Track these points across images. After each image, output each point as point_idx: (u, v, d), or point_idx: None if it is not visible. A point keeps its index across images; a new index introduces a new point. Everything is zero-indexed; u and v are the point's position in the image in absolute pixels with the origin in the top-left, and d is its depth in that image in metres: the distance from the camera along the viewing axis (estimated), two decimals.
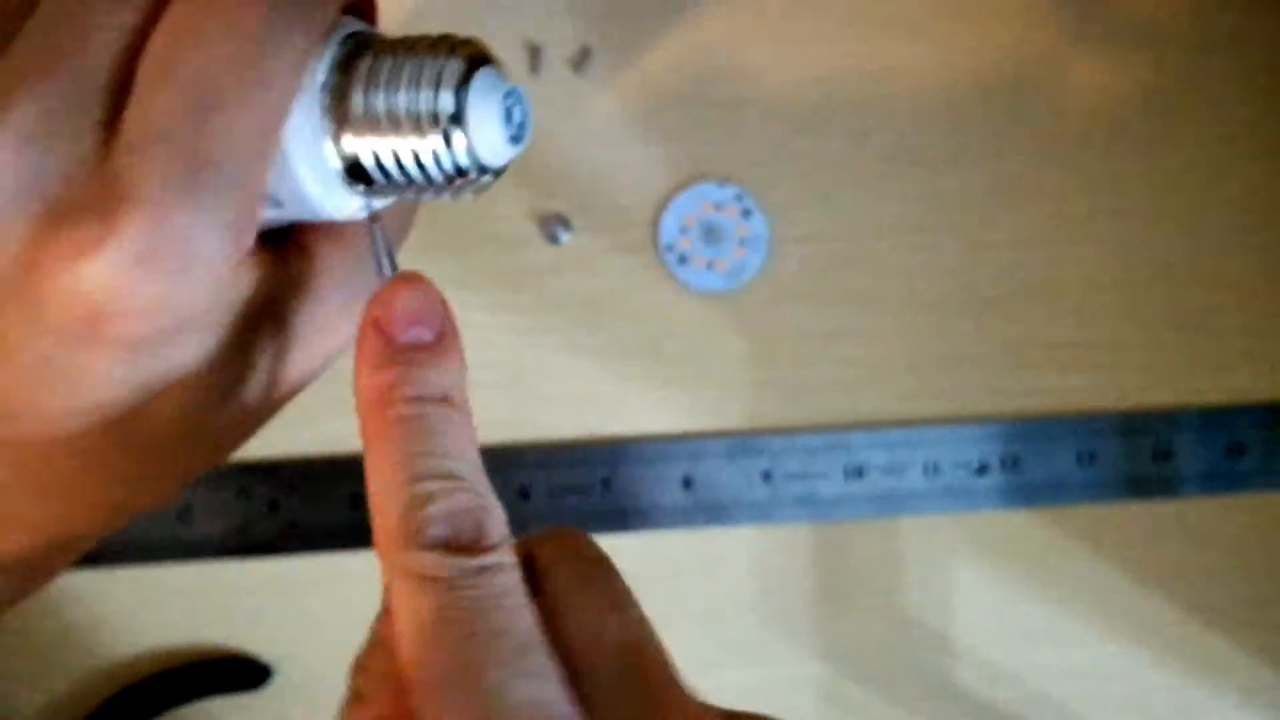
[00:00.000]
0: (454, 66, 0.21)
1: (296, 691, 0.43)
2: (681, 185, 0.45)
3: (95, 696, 0.42)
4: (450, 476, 0.20)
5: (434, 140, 0.21)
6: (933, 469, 0.45)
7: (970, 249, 0.46)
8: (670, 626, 0.46)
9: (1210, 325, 0.47)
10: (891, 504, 0.45)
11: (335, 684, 0.47)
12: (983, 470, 0.45)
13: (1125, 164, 0.46)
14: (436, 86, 0.21)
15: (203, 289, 0.20)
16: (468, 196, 0.22)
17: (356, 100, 0.21)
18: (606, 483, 0.44)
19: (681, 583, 0.45)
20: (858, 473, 0.45)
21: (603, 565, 0.23)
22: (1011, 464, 0.46)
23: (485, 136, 0.21)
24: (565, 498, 0.44)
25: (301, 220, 0.22)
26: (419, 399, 0.21)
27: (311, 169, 0.21)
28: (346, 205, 0.22)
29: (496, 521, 0.21)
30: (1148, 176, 0.46)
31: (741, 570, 0.45)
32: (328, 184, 0.21)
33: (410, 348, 0.21)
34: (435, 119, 0.20)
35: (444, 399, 0.21)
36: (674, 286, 0.45)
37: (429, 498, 0.20)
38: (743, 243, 0.45)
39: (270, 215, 0.22)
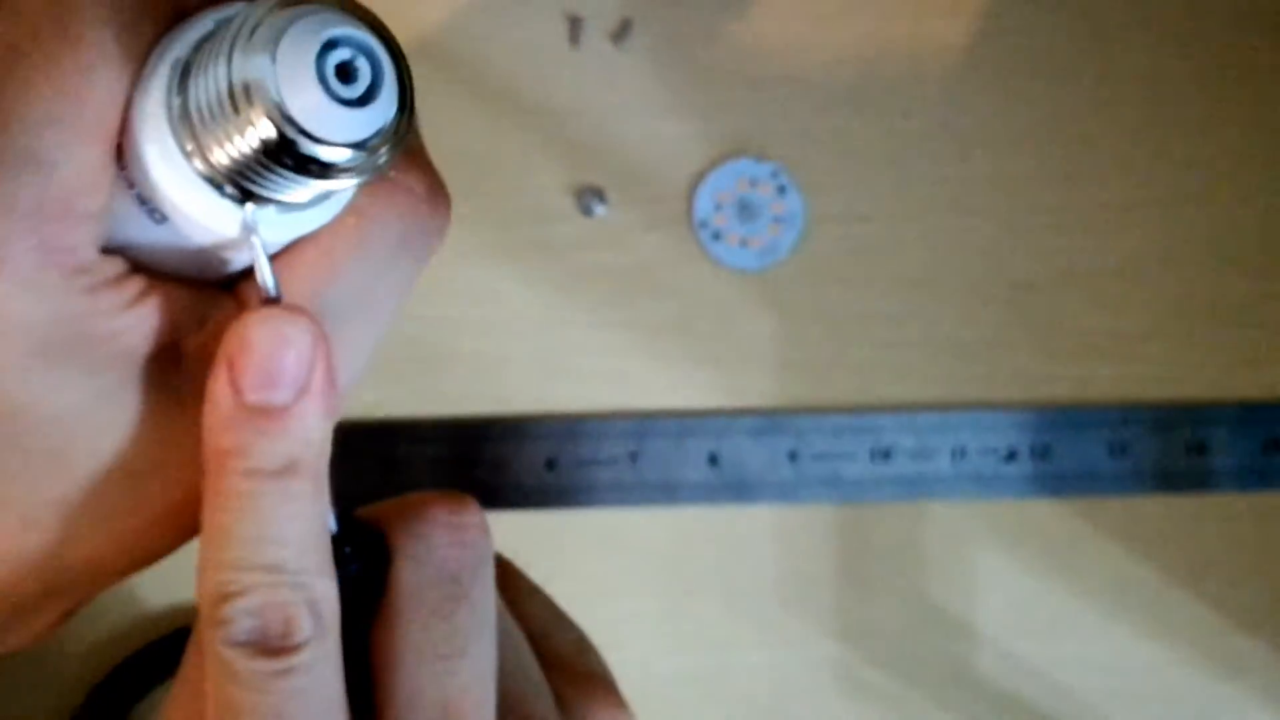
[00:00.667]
0: (252, 21, 0.17)
1: None
2: (718, 161, 0.45)
3: (120, 651, 0.43)
4: (269, 569, 0.19)
5: (245, 120, 0.17)
6: (960, 454, 0.45)
7: (1007, 233, 0.45)
8: (690, 603, 0.47)
9: (1250, 318, 0.46)
10: (918, 488, 0.45)
11: None
12: (1011, 457, 0.45)
13: (1170, 150, 0.46)
14: (230, 51, 0.17)
15: (13, 302, 0.17)
16: (361, 179, 0.18)
17: (191, 87, 0.17)
18: (633, 456, 0.44)
19: (703, 560, 0.45)
20: (884, 455, 0.45)
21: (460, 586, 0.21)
22: (1041, 452, 0.45)
23: (304, 102, 0.17)
24: (591, 470, 0.44)
25: (216, 249, 0.19)
26: (255, 472, 0.18)
27: (168, 169, 0.18)
28: (232, 219, 0.18)
29: (315, 614, 0.19)
30: (1191, 164, 0.46)
31: (764, 549, 0.45)
32: (190, 189, 0.18)
33: (257, 412, 0.18)
34: (233, 93, 0.17)
35: (286, 469, 0.19)
36: (706, 263, 0.45)
37: (239, 592, 0.19)
38: (777, 220, 0.45)
39: (160, 234, 0.19)
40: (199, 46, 0.18)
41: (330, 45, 0.17)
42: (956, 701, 0.46)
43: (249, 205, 0.18)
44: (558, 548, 0.45)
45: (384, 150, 0.17)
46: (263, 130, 0.17)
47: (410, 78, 0.18)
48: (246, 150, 0.17)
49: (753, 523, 0.45)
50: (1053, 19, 0.45)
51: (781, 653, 0.45)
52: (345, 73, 0.17)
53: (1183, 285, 0.46)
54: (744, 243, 0.45)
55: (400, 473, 0.44)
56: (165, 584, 0.44)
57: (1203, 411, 0.46)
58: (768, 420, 0.45)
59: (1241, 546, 0.46)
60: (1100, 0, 0.45)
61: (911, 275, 0.45)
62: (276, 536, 0.19)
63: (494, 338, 0.44)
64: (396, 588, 0.21)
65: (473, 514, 0.22)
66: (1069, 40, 0.45)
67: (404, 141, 0.18)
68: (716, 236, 0.45)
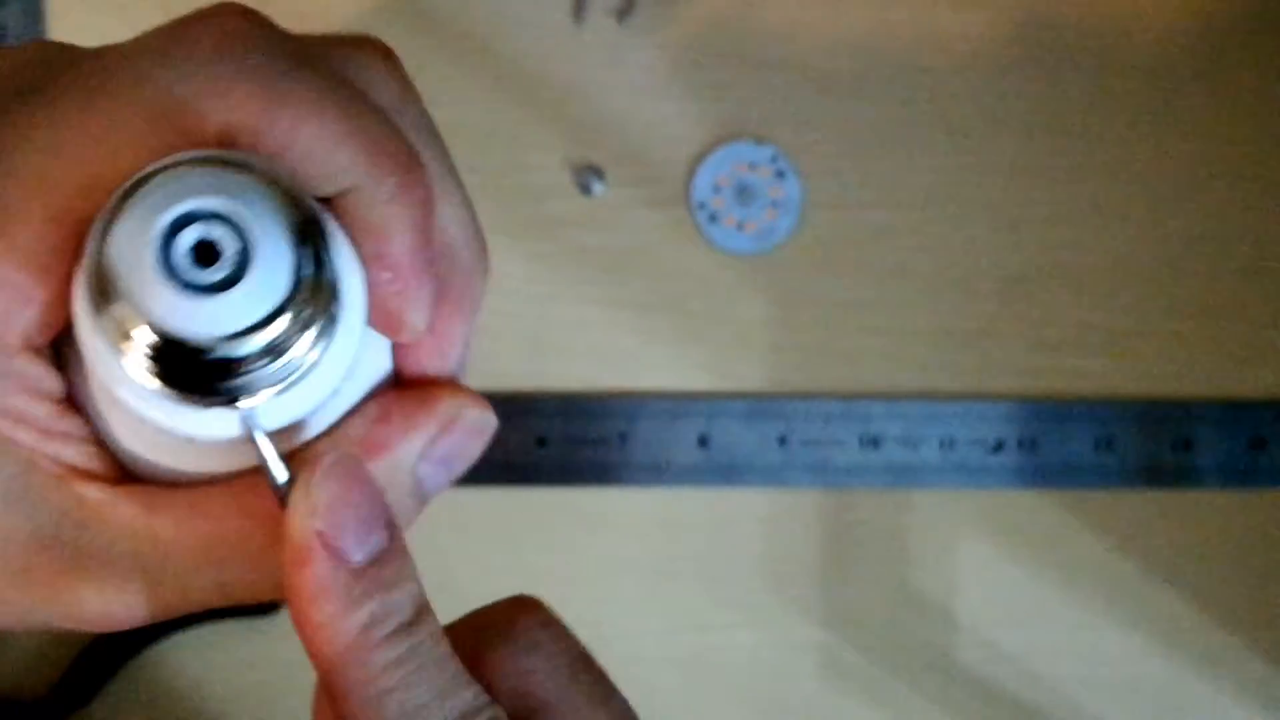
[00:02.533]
0: (107, 208, 0.15)
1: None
2: (717, 143, 0.45)
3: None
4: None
5: (112, 317, 0.15)
6: (949, 444, 0.45)
7: (1002, 226, 0.45)
8: (676, 584, 0.47)
9: (1239, 316, 0.46)
10: (905, 476, 0.45)
11: None
12: (999, 448, 0.45)
13: (1166, 147, 0.46)
14: (95, 245, 0.15)
15: None
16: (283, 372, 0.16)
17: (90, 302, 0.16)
18: (624, 436, 0.44)
19: (690, 541, 0.45)
20: (873, 443, 0.45)
21: (585, 656, 0.22)
22: (1028, 444, 0.45)
23: (147, 293, 0.14)
24: (582, 449, 0.44)
25: (202, 465, 0.18)
26: (406, 631, 0.18)
27: (114, 382, 0.16)
28: (194, 419, 0.17)
29: None
30: (1184, 162, 0.46)
31: (751, 532, 0.45)
32: (165, 410, 0.16)
33: (375, 564, 0.18)
34: (91, 291, 0.15)
35: (420, 610, 0.18)
36: (703, 245, 0.45)
37: None
38: (774, 205, 0.45)
39: (179, 449, 0.18)
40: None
41: (179, 224, 0.15)
42: (937, 687, 0.46)
43: (237, 408, 0.16)
44: (547, 525, 0.45)
45: (287, 333, 0.15)
46: (135, 340, 0.15)
47: (315, 231, 0.15)
48: (149, 365, 0.15)
49: (741, 506, 0.45)
50: (1052, 13, 0.45)
51: (766, 636, 0.46)
52: (204, 253, 0.15)
53: (1173, 282, 0.46)
54: (741, 226, 0.45)
55: None
56: None
57: (1189, 408, 0.46)
58: (758, 404, 0.45)
59: (1223, 543, 0.47)
60: None
61: (906, 264, 0.45)
62: (453, 681, 0.18)
63: (488, 314, 0.44)
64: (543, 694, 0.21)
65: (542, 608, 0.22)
66: (1068, 34, 0.45)
67: (323, 314, 0.16)
68: (714, 219, 0.45)
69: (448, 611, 0.47)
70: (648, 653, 0.45)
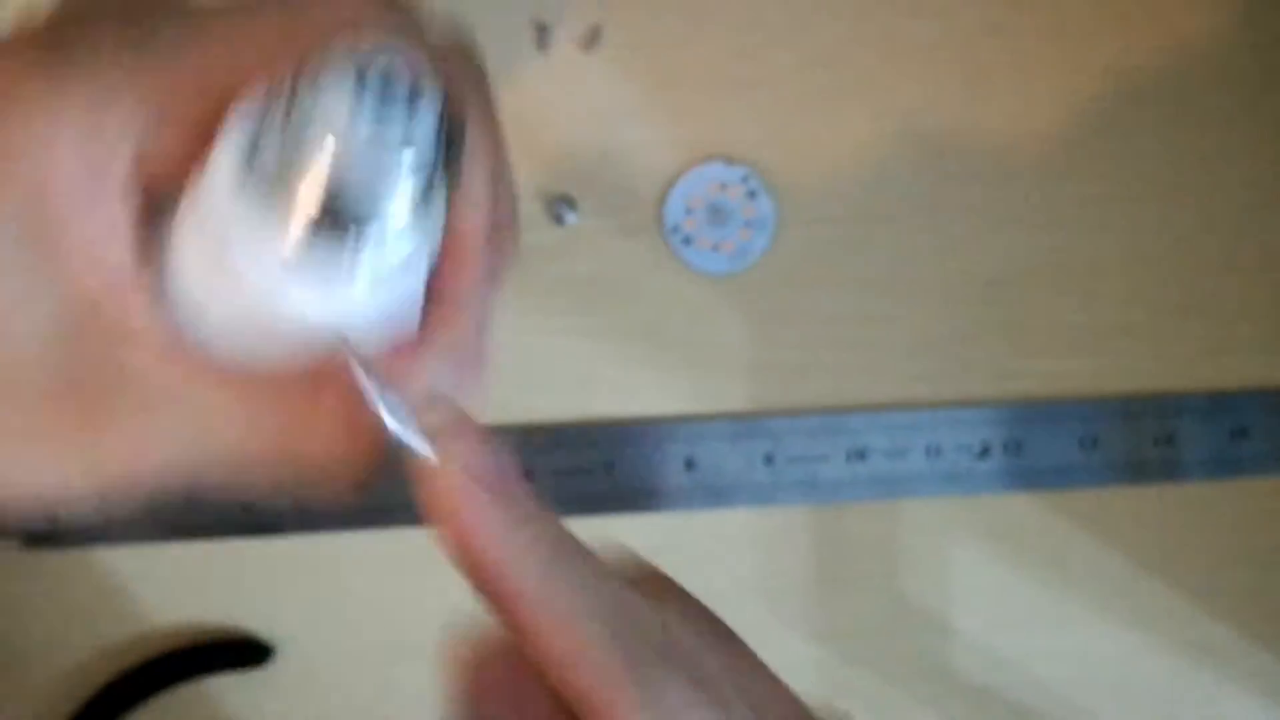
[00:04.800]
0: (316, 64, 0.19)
1: (299, 670, 0.43)
2: (688, 166, 0.44)
3: (98, 678, 0.43)
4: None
5: (307, 135, 0.19)
6: (935, 452, 0.45)
7: (976, 232, 0.45)
8: None
9: (1215, 310, 0.47)
10: (893, 487, 0.45)
11: (336, 663, 0.47)
12: (984, 453, 0.45)
13: (1135, 147, 0.46)
14: (287, 110, 0.19)
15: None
16: (401, 180, 0.19)
17: (257, 159, 0.19)
18: (609, 465, 0.44)
19: (681, 564, 0.45)
20: (860, 455, 0.45)
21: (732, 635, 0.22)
22: (1014, 448, 0.46)
23: (342, 106, 0.19)
24: (568, 480, 0.44)
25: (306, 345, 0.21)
26: (560, 542, 0.20)
27: (242, 235, 0.19)
28: (306, 296, 0.20)
29: None
30: (1158, 160, 0.46)
31: (742, 552, 0.45)
32: (257, 249, 0.19)
33: (517, 483, 0.20)
34: (301, 106, 0.19)
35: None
36: (678, 268, 0.45)
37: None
38: (748, 224, 0.44)
39: (260, 316, 0.20)
40: (256, 132, 0.19)
41: (368, 67, 0.19)
42: (935, 697, 0.46)
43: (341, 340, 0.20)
44: None
45: (425, 167, 0.19)
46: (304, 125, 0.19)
47: (449, 110, 0.20)
48: (316, 175, 0.19)
49: (730, 527, 0.45)
50: (1022, 18, 0.45)
51: (763, 655, 0.45)
52: (384, 86, 0.19)
53: (1150, 279, 0.46)
54: (715, 247, 0.44)
55: (374, 489, 0.43)
56: (136, 613, 0.43)
57: (1171, 402, 0.46)
58: (743, 424, 0.45)
59: (1211, 535, 0.47)
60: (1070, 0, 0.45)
61: (882, 276, 0.45)
62: (602, 567, 0.20)
63: None
64: None
65: None
66: (1039, 38, 0.45)
67: (460, 143, 0.20)
68: (688, 241, 0.44)
69: (433, 646, 0.47)
70: None
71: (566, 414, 0.44)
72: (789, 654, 0.45)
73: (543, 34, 0.44)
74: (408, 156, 0.19)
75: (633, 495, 0.44)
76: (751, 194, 0.44)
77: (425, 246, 0.21)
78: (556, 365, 0.44)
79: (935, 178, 0.45)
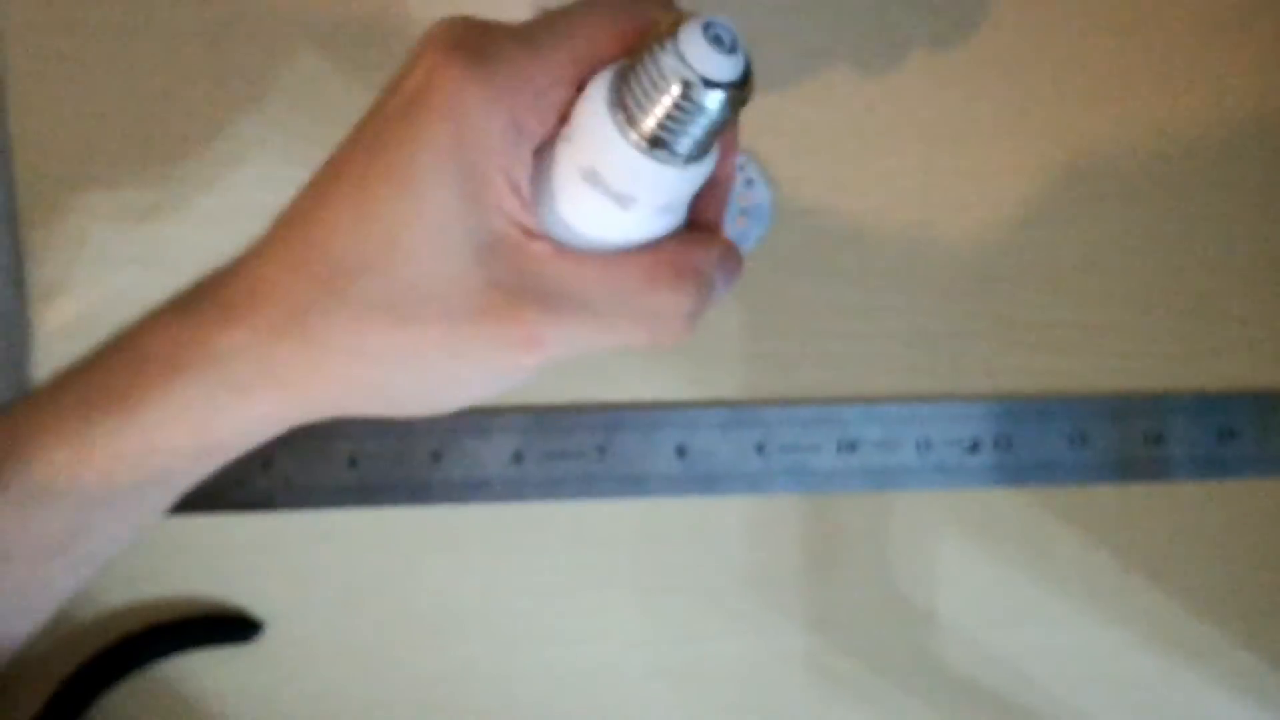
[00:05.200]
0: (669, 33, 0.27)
1: (287, 646, 0.43)
2: None
3: (85, 648, 0.42)
4: None
5: (668, 79, 0.27)
6: (925, 445, 0.45)
7: (972, 227, 0.46)
8: (659, 595, 0.47)
9: (1208, 310, 0.47)
10: (883, 479, 0.45)
11: (326, 639, 0.47)
12: (975, 448, 0.46)
13: (1132, 145, 0.46)
14: (655, 52, 0.27)
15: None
16: (722, 107, 0.27)
17: (624, 91, 0.28)
18: (601, 449, 0.44)
19: (672, 552, 0.45)
20: (851, 447, 0.45)
21: None
22: (1004, 443, 0.46)
23: (697, 52, 0.26)
24: (559, 463, 0.44)
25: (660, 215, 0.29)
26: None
27: (617, 149, 0.28)
28: (665, 174, 0.28)
29: None
30: (1151, 159, 0.46)
31: (732, 540, 0.45)
32: (629, 155, 0.27)
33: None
34: (660, 70, 0.27)
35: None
36: None
37: None
38: (745, 212, 0.45)
39: (628, 219, 0.28)
40: (617, 79, 0.28)
41: (709, 26, 0.27)
42: (922, 689, 0.46)
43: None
44: (526, 542, 0.44)
45: (743, 90, 0.27)
46: (679, 82, 0.27)
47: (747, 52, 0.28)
48: (668, 102, 0.27)
49: (721, 515, 0.45)
50: (1018, 13, 0.46)
51: (751, 643, 0.45)
52: (719, 39, 0.27)
53: (1142, 278, 0.46)
54: None
55: (365, 467, 0.43)
56: (123, 586, 0.43)
57: (1160, 401, 0.46)
58: (735, 412, 0.45)
59: (1199, 534, 0.47)
60: None
61: (878, 268, 0.45)
62: None
63: None
64: None
65: None
66: (1035, 33, 0.46)
67: (749, 89, 0.27)
68: None
69: (435, 628, 0.47)
70: (633, 665, 0.45)
71: (559, 397, 0.44)
72: (778, 643, 0.45)
73: None
74: (732, 96, 0.27)
75: (624, 480, 0.44)
76: (749, 182, 0.45)
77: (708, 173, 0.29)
78: None
79: (931, 172, 0.45)
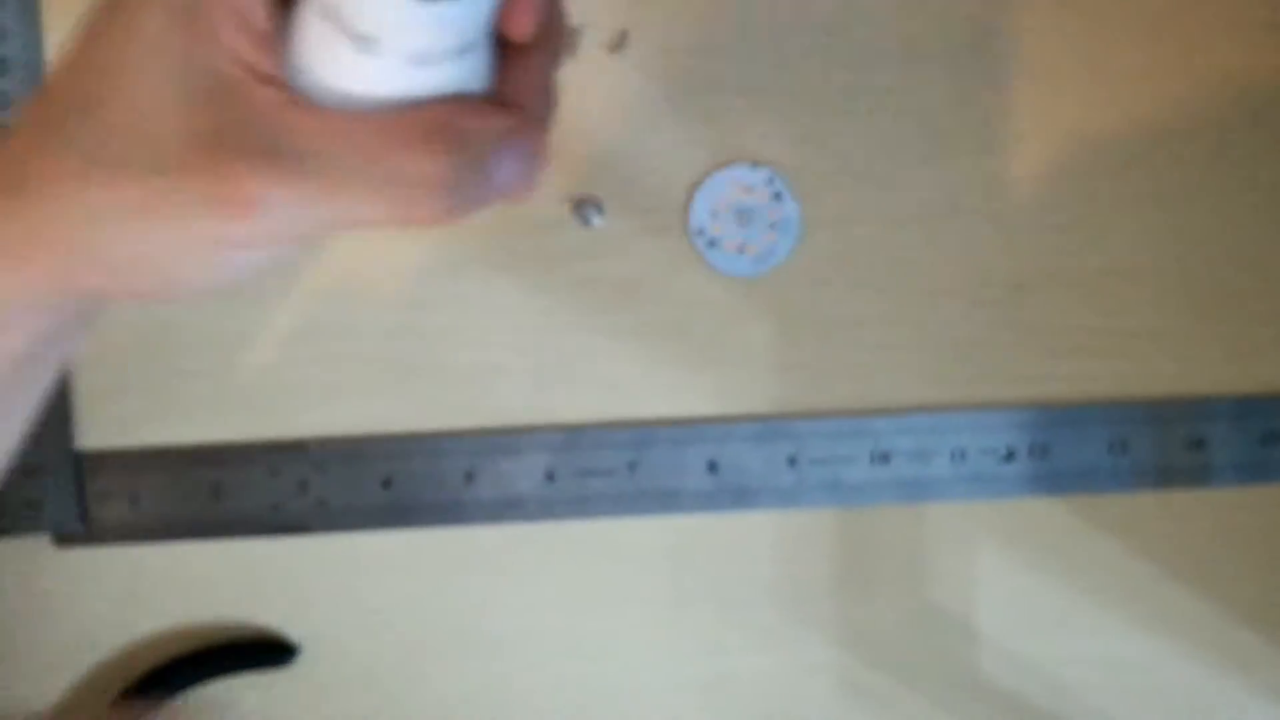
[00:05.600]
0: None
1: (323, 670, 0.44)
2: (713, 168, 0.44)
3: (125, 673, 0.43)
4: None
5: None
6: (960, 455, 0.45)
7: (1001, 233, 0.45)
8: (691, 610, 0.47)
9: (1245, 313, 0.46)
10: (917, 490, 0.45)
11: (361, 662, 0.48)
12: (1010, 457, 0.45)
13: (1164, 148, 0.45)
14: None
15: None
16: None
17: None
18: (633, 466, 0.44)
19: (704, 567, 0.45)
20: (884, 458, 0.45)
21: None
22: (1040, 451, 0.45)
23: None
24: (590, 481, 0.44)
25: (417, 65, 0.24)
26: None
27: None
28: (414, 17, 0.23)
29: None
30: (1184, 161, 0.46)
31: (764, 555, 0.45)
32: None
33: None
34: None
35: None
36: (704, 270, 0.44)
37: None
38: (773, 226, 0.44)
39: (374, 68, 0.24)
40: None
41: None
42: (957, 702, 0.46)
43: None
44: (558, 559, 0.44)
45: None
46: None
47: None
48: None
49: (753, 529, 0.45)
50: (1045, 19, 0.45)
51: (783, 658, 0.45)
52: None
53: (1177, 281, 0.46)
54: (741, 249, 0.44)
55: (398, 489, 0.43)
56: (161, 611, 0.44)
57: (1200, 406, 0.46)
58: (766, 426, 0.45)
59: (1241, 540, 0.46)
60: (1094, 0, 0.45)
61: (907, 278, 0.45)
62: None
63: (492, 349, 0.44)
64: None
65: None
66: (1062, 40, 0.45)
67: None
68: (713, 244, 0.44)
69: (467, 647, 0.47)
70: (665, 680, 0.45)
71: (590, 414, 0.44)
72: (810, 657, 0.45)
73: (572, 38, 0.44)
74: None
75: (656, 496, 0.44)
76: (776, 196, 0.44)
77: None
78: (581, 365, 0.44)
79: (959, 180, 0.45)
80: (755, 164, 0.44)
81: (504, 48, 0.26)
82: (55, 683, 0.43)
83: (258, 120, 0.24)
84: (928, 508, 0.45)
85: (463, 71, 0.25)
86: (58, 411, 0.42)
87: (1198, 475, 0.46)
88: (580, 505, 0.44)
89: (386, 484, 0.43)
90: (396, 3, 0.23)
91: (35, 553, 0.43)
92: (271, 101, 0.24)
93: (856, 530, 0.45)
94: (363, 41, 0.24)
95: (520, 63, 0.26)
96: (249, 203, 0.23)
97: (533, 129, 0.26)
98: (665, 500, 0.44)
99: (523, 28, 0.25)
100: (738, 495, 0.44)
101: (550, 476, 0.44)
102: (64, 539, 0.43)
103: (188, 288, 0.25)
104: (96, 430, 0.43)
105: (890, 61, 0.45)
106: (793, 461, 0.45)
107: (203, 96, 0.23)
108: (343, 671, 0.44)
